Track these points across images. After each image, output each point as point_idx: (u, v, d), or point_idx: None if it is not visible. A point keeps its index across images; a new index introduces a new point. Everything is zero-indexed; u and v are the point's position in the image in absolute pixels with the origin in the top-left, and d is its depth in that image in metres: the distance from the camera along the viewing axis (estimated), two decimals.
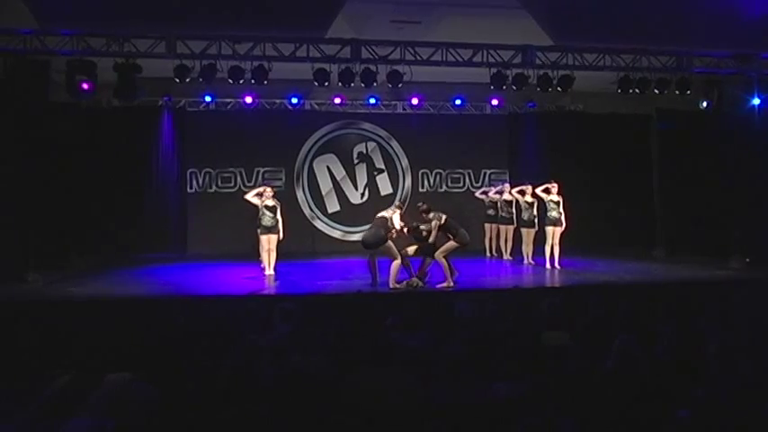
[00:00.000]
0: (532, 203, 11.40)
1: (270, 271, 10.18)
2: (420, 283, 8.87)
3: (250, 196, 10.40)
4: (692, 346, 4.32)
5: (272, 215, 10.22)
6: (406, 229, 9.10)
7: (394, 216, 8.96)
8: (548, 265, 10.81)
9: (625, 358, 3.82)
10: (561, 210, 10.87)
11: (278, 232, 10.23)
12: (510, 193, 12.00)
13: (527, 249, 11.47)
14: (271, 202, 10.27)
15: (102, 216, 12.14)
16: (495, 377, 3.81)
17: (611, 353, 3.89)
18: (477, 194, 12.89)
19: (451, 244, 9.03)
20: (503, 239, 12.33)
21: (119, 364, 3.70)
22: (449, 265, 8.99)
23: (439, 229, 8.98)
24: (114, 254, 12.23)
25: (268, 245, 10.21)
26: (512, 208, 12.13)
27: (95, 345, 4.69)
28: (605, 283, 9.32)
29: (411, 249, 9.15)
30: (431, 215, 9.07)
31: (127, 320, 6.24)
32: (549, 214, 10.92)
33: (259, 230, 10.31)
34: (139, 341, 4.86)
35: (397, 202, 9.80)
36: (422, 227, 9.12)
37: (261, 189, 10.50)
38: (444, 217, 9.06)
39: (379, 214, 9.17)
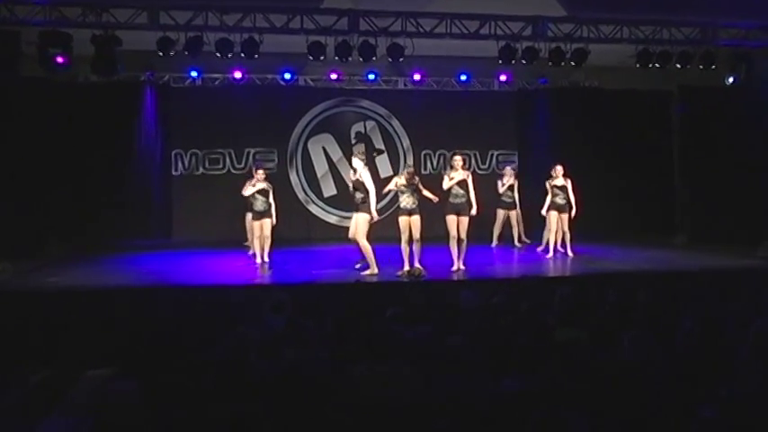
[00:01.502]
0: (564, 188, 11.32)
1: (260, 259, 10.18)
2: (422, 272, 8.87)
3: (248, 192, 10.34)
4: (717, 340, 4.32)
5: (264, 199, 10.20)
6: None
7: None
8: (550, 254, 10.79)
9: (639, 353, 3.82)
10: (568, 195, 10.79)
11: (271, 216, 10.22)
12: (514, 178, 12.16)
13: (549, 235, 11.41)
14: (263, 185, 10.24)
15: (79, 200, 12.10)
16: (502, 372, 3.82)
17: (623, 347, 3.89)
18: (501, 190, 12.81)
19: (465, 219, 9.20)
20: (513, 223, 12.37)
21: (98, 359, 3.69)
22: None
23: (454, 183, 9.20)
24: (93, 241, 12.21)
25: (260, 231, 10.19)
26: (513, 192, 12.20)
27: (72, 339, 4.69)
28: (622, 273, 9.32)
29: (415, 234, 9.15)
30: (459, 169, 9.28)
31: (107, 313, 6.24)
32: (552, 200, 10.89)
33: (251, 215, 10.30)
34: (121, 335, 4.87)
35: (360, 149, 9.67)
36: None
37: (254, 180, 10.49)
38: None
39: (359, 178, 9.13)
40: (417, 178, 9.19)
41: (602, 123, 13.99)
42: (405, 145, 14.46)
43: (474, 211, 9.31)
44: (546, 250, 10.99)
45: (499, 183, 12.45)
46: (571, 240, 10.89)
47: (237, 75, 12.79)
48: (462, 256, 9.32)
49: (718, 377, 3.54)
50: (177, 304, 6.73)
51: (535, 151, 13.87)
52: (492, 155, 14.59)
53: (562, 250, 10.88)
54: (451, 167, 9.44)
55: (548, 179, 10.99)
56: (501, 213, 12.34)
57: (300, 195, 14.07)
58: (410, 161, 14.20)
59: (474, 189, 9.35)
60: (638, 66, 11.16)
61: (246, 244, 11.37)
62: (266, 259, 10.18)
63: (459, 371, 3.74)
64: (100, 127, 12.42)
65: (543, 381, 3.53)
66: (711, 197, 12.87)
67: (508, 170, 12.55)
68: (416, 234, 9.04)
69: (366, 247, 9.03)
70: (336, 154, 14.16)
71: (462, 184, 9.26)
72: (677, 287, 7.49)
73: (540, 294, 6.25)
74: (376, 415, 3.43)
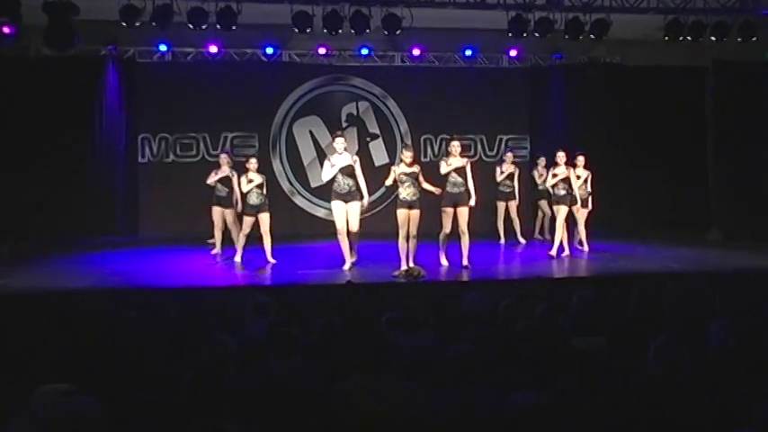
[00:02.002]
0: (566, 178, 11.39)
1: (239, 258, 10.22)
2: (422, 272, 8.88)
3: (238, 185, 10.35)
4: (754, 350, 4.34)
5: (259, 191, 10.20)
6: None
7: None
8: (566, 251, 10.78)
9: (668, 364, 3.84)
10: (570, 186, 10.80)
11: (268, 210, 10.22)
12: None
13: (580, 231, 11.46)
14: (259, 179, 10.19)
15: (32, 192, 12.07)
16: (512, 386, 3.83)
17: (649, 357, 3.91)
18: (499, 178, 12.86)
19: (464, 210, 9.26)
20: (513, 215, 12.43)
21: (54, 372, 3.69)
22: None
23: (452, 170, 9.30)
24: (49, 238, 12.20)
25: (250, 228, 10.18)
26: (512, 181, 12.29)
27: (23, 350, 4.68)
28: (647, 273, 9.38)
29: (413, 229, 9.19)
30: (458, 155, 9.42)
31: (64, 319, 6.23)
32: (554, 191, 10.94)
33: (242, 210, 10.28)
34: (80, 344, 4.85)
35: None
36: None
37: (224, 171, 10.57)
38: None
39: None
40: (418, 166, 9.20)
41: (626, 104, 14.00)
42: (402, 129, 14.46)
43: (473, 202, 9.36)
44: (582, 248, 11.09)
45: (498, 170, 12.50)
46: (569, 239, 10.94)
47: (213, 49, 12.79)
48: (466, 252, 9.33)
49: (756, 392, 3.55)
50: (145, 309, 6.72)
51: (549, 136, 13.85)
52: (501, 140, 14.61)
53: (578, 246, 10.97)
54: (449, 154, 9.49)
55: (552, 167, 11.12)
56: (500, 205, 12.40)
57: (285, 186, 14.07)
58: (408, 143, 14.20)
59: (473, 178, 9.43)
60: (666, 39, 11.16)
61: (211, 241, 11.29)
62: (266, 257, 10.25)
63: (464, 384, 3.75)
64: (54, 108, 12.37)
65: (559, 394, 3.54)
66: (750, 188, 12.89)
67: (509, 156, 12.63)
68: (414, 230, 9.06)
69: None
70: (325, 139, 14.12)
71: (461, 171, 9.32)
72: (710, 289, 7.51)
73: (555, 297, 6.27)
74: None
